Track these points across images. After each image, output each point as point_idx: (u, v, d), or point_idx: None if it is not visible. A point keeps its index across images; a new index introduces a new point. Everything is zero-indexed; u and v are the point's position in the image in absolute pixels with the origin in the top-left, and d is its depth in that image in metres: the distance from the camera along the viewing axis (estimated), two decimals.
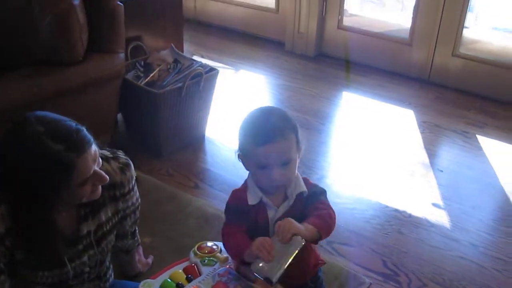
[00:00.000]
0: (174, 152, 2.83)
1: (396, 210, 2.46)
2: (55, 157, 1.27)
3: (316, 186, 1.51)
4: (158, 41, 3.03)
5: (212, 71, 2.80)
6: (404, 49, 3.81)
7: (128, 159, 1.62)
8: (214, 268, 1.51)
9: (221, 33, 4.50)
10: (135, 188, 1.66)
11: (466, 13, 3.47)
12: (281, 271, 1.31)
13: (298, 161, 1.45)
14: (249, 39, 4.38)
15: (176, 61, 2.90)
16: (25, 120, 1.30)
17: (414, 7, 3.65)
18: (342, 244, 2.24)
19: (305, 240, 1.34)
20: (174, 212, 2.34)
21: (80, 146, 1.30)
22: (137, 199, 1.69)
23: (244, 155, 1.43)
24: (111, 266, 1.75)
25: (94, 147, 1.35)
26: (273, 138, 1.36)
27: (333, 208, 1.47)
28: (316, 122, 3.22)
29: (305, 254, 1.49)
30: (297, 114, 3.22)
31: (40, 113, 1.33)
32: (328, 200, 1.49)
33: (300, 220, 1.39)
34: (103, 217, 1.56)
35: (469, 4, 3.45)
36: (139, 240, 1.85)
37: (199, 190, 2.58)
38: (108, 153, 1.58)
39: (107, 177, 1.41)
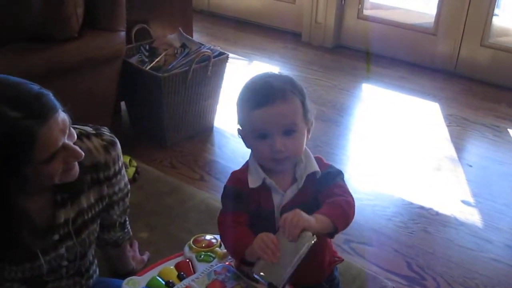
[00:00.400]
0: (180, 142, 2.63)
1: (422, 208, 2.22)
2: (12, 126, 1.06)
3: (331, 166, 1.27)
4: (165, 26, 2.83)
5: (221, 55, 2.59)
6: (428, 39, 3.57)
7: (114, 136, 1.41)
8: (211, 265, 1.29)
9: (235, 25, 4.29)
10: (123, 171, 1.45)
11: None
12: (288, 275, 1.10)
13: (307, 136, 1.23)
14: (264, 31, 4.18)
15: (183, 46, 2.70)
16: None
17: None
18: (361, 243, 2.01)
19: (318, 235, 1.12)
20: (175, 206, 2.14)
21: (43, 113, 1.09)
22: (125, 185, 1.48)
23: (242, 126, 1.23)
24: (95, 262, 1.54)
25: (62, 116, 1.14)
26: (271, 99, 1.15)
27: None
28: (334, 114, 2.99)
29: (319, 250, 1.27)
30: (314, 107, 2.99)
31: None
32: (346, 184, 1.26)
33: (312, 207, 1.17)
34: (84, 203, 1.35)
35: None
36: (131, 233, 1.63)
37: (204, 182, 2.37)
38: (90, 129, 1.37)
39: (81, 152, 1.20)
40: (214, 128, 2.79)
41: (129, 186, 1.51)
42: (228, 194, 1.27)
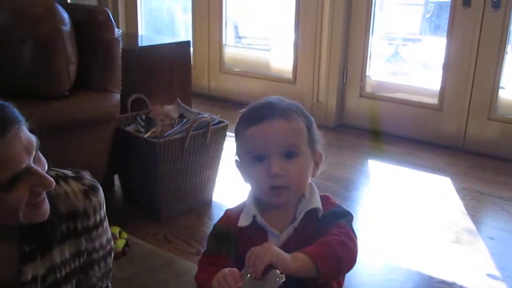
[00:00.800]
0: (175, 217, 2.44)
1: (444, 282, 1.99)
2: None
3: (339, 206, 1.10)
4: (163, 97, 2.74)
5: (220, 123, 2.47)
6: (433, 116, 3.48)
7: (96, 181, 1.23)
8: None
9: (236, 107, 4.22)
10: (105, 224, 1.26)
11: (501, 71, 3.16)
12: None
13: (315, 171, 1.10)
14: None
15: (181, 116, 2.58)
16: None
17: (443, 67, 3.36)
18: None
19: (290, 274, 0.93)
20: (169, 280, 1.92)
21: (1, 125, 0.93)
22: (108, 241, 1.28)
23: (239, 154, 1.07)
24: None
25: (27, 134, 0.98)
26: (269, 115, 1.02)
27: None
28: (340, 188, 2.82)
29: None
30: (317, 181, 2.83)
31: None
32: (352, 227, 1.06)
33: None
34: (57, 258, 1.15)
35: (504, 61, 3.14)
36: None
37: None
38: (70, 172, 1.20)
39: (51, 179, 1.01)
40: (212, 202, 2.60)
41: (112, 243, 1.31)
42: (212, 234, 1.12)
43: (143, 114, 2.57)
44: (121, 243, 2.09)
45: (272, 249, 0.93)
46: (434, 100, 3.48)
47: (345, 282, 1.16)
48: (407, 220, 2.48)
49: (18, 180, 0.96)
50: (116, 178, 2.64)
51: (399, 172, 3.11)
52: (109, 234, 1.29)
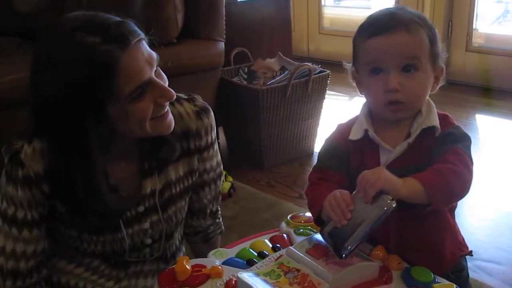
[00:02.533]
0: (277, 165, 2.50)
1: None
2: (90, 52, 0.96)
3: (457, 127, 1.03)
4: (264, 51, 2.78)
5: (322, 72, 2.48)
6: None
7: (208, 105, 1.29)
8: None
9: (336, 68, 4.20)
10: (215, 146, 1.32)
11: None
12: (355, 242, 0.91)
13: (435, 86, 1.04)
14: None
15: (283, 69, 2.62)
16: (57, 21, 1.04)
17: None
18: (487, 261, 1.72)
19: (401, 198, 0.91)
20: (272, 220, 1.97)
21: (123, 38, 0.99)
22: (218, 164, 1.34)
23: (356, 65, 1.05)
24: (183, 250, 1.40)
25: (146, 47, 1.05)
26: (392, 27, 0.97)
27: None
28: None
29: (436, 234, 1.05)
30: None
31: (78, 11, 1.05)
32: (470, 153, 1.00)
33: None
34: (172, 175, 1.23)
35: None
36: (223, 228, 1.47)
37: (303, 200, 2.18)
38: (183, 94, 1.27)
39: (173, 91, 1.08)
40: (314, 153, 2.63)
41: (222, 167, 1.37)
42: (323, 149, 1.11)
43: (246, 67, 2.63)
44: (226, 185, 2.17)
45: (384, 175, 0.92)
46: None
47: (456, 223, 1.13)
48: None
49: (143, 92, 1.03)
50: (221, 131, 2.74)
51: (510, 125, 2.94)
52: (219, 158, 1.35)
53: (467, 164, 0.97)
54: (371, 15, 1.04)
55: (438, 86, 1.06)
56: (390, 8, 1.06)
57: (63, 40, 1.00)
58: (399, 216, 0.98)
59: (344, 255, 0.91)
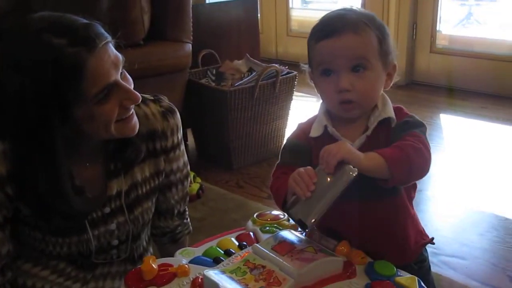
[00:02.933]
0: (247, 166, 2.51)
1: None
2: (57, 54, 0.96)
3: (412, 116, 1.07)
4: (232, 52, 2.79)
5: (289, 73, 2.50)
6: (510, 68, 3.34)
7: (173, 105, 1.30)
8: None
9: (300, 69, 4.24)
10: (182, 147, 1.33)
11: None
12: (319, 213, 0.93)
13: (388, 83, 1.07)
14: None
15: (250, 70, 2.63)
16: (22, 20, 1.04)
17: None
18: (451, 256, 1.76)
19: (362, 171, 0.94)
20: (241, 221, 1.97)
21: (90, 40, 0.99)
22: (185, 164, 1.35)
23: (311, 66, 1.08)
24: (151, 250, 1.40)
25: (113, 49, 1.05)
26: (338, 30, 1.00)
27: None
28: None
29: (401, 223, 1.09)
30: None
31: (40, 12, 1.05)
32: (426, 137, 1.03)
33: None
34: (138, 176, 1.23)
35: None
36: (190, 228, 1.48)
37: (272, 200, 2.18)
38: (149, 95, 1.27)
39: (138, 94, 1.09)
40: None
41: (188, 168, 1.38)
42: (285, 147, 1.13)
43: (214, 68, 2.64)
44: (195, 186, 2.18)
45: (345, 146, 0.95)
46: (510, 52, 3.33)
47: (421, 222, 1.16)
48: (480, 168, 2.42)
49: (109, 94, 1.03)
50: (189, 133, 2.74)
51: (474, 125, 3.03)
52: (186, 158, 1.36)
53: (425, 144, 1.00)
54: (323, 17, 1.07)
55: (392, 83, 1.09)
56: (341, 9, 1.08)
57: (29, 40, 0.99)
58: (360, 207, 1.02)
59: (309, 226, 0.93)
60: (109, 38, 1.04)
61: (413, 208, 1.14)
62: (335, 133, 1.06)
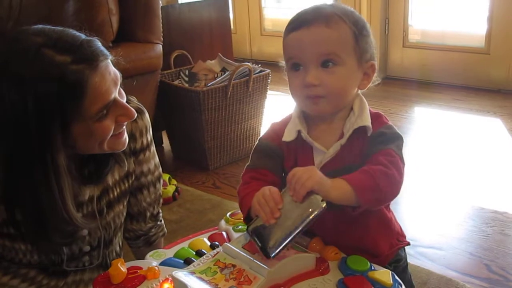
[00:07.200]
0: (223, 166, 2.49)
1: (496, 212, 1.96)
2: (60, 71, 0.95)
3: (389, 127, 1.01)
4: (205, 53, 2.77)
5: (262, 72, 2.49)
6: (481, 60, 3.37)
7: (142, 106, 1.28)
8: None
9: (278, 69, 4.23)
10: (152, 148, 1.30)
11: None
12: (283, 244, 0.88)
13: (365, 83, 1.01)
14: None
15: (224, 70, 2.61)
16: (19, 34, 1.01)
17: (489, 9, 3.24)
18: (428, 247, 1.77)
19: (330, 200, 0.90)
20: (218, 221, 1.95)
21: (92, 57, 0.98)
22: (156, 166, 1.32)
23: (284, 59, 1.03)
24: (122, 255, 1.37)
25: (112, 66, 1.03)
26: (309, 21, 0.96)
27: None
28: None
29: (369, 232, 1.04)
30: None
31: (38, 25, 1.03)
32: (402, 154, 0.98)
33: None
34: (109, 180, 1.20)
35: None
36: (165, 230, 1.46)
37: None
38: None
39: (134, 111, 1.08)
40: None
41: (160, 169, 1.36)
42: (256, 149, 1.07)
43: (186, 69, 2.61)
44: (170, 189, 2.15)
45: (315, 176, 0.90)
46: (480, 44, 3.37)
47: (395, 217, 1.13)
48: (456, 159, 2.44)
49: (108, 112, 1.02)
50: (164, 135, 2.71)
51: (447, 116, 3.05)
52: (157, 160, 1.34)
53: (398, 166, 0.95)
54: (299, 11, 1.02)
55: (370, 84, 1.03)
56: (321, 4, 1.02)
57: (30, 56, 0.96)
58: (334, 213, 0.97)
59: (272, 255, 0.88)
60: (109, 55, 1.03)
61: (389, 211, 1.11)
62: (308, 139, 1.01)
